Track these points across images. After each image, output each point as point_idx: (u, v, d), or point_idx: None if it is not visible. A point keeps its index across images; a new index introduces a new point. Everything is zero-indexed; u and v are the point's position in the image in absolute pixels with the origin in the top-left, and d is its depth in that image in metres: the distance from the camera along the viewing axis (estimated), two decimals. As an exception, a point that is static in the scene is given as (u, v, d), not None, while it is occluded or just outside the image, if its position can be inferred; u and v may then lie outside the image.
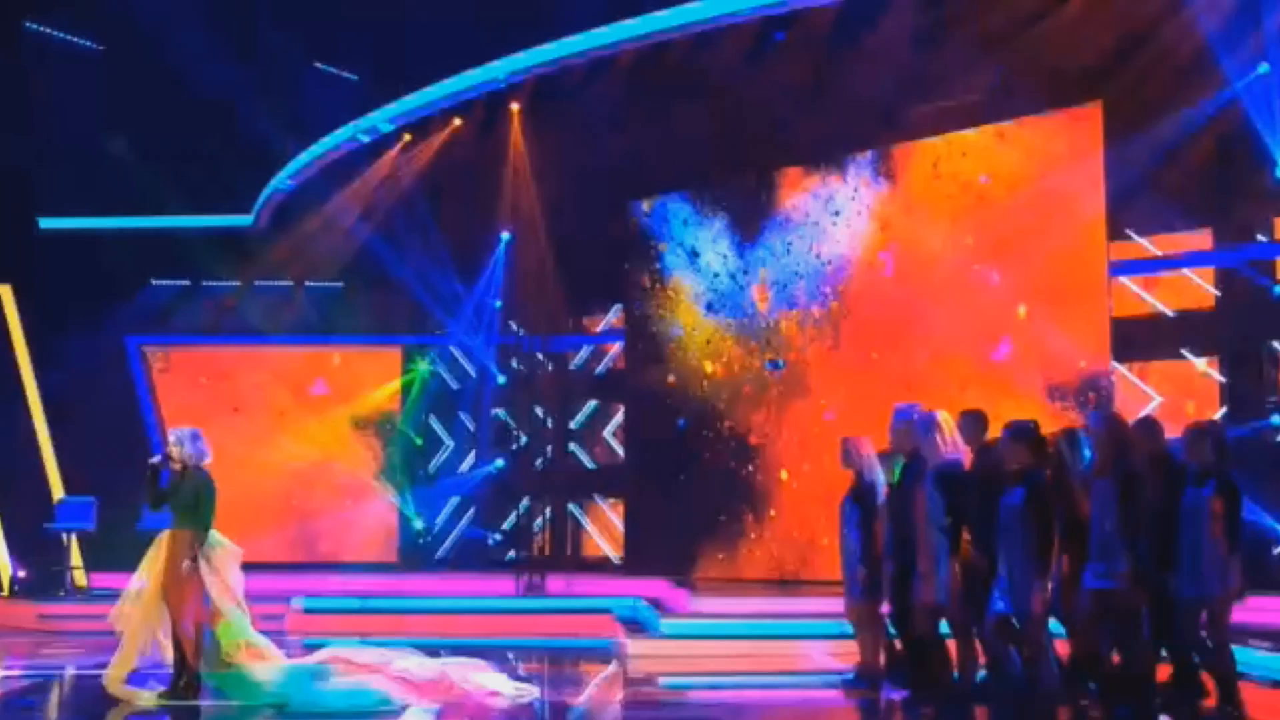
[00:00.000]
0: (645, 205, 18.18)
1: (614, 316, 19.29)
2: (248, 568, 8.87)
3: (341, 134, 17.63)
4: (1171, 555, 7.55)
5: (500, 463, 19.21)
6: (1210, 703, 7.65)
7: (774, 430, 16.45)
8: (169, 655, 8.68)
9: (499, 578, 15.97)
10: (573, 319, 19.77)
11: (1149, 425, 8.11)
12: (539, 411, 18.49)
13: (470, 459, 20.21)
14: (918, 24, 13.86)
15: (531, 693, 8.87)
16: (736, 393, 16.94)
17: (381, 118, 17.31)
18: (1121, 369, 14.10)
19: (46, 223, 19.16)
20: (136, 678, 8.75)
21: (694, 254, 17.54)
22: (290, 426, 19.87)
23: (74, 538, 15.10)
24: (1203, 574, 7.43)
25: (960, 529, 7.69)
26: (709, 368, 17.31)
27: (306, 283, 20.11)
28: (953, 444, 7.75)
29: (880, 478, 8.95)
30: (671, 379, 17.71)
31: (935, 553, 7.85)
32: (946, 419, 7.88)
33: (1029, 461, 7.37)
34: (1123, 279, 14.21)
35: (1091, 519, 7.27)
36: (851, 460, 9.16)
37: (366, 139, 17.73)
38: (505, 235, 18.19)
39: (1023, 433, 7.47)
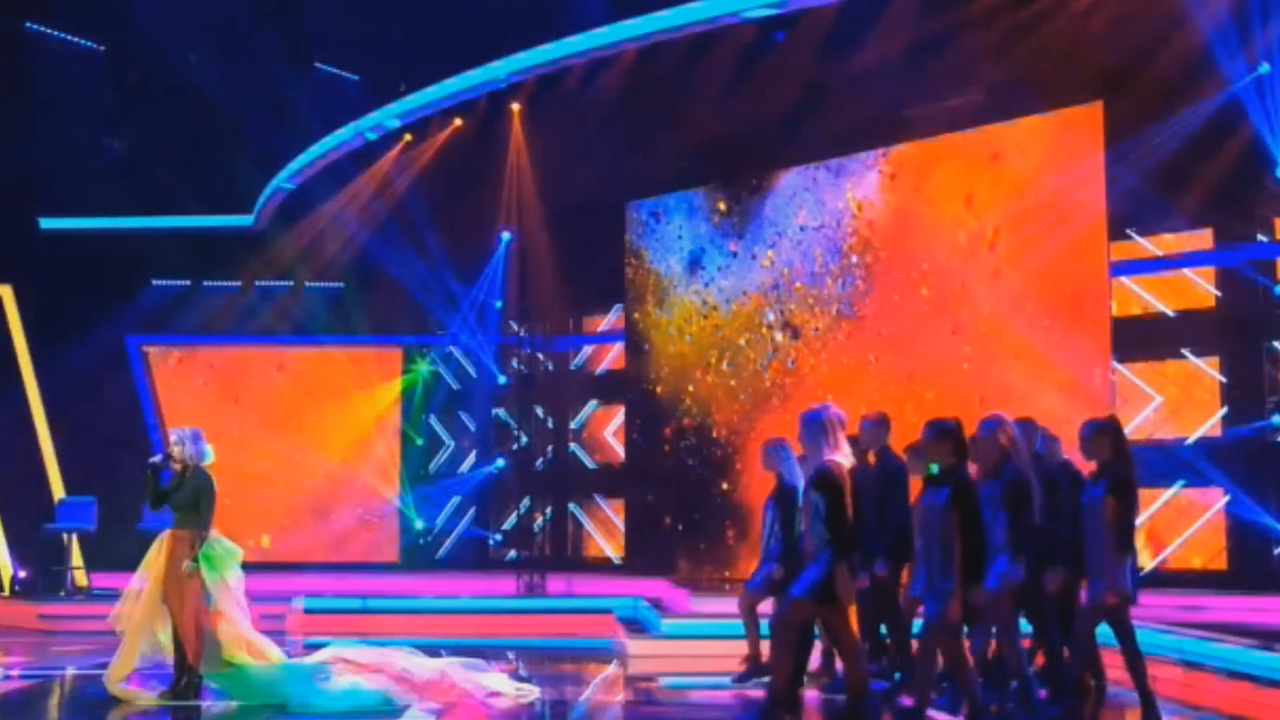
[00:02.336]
0: (645, 205, 18.19)
1: (614, 316, 19.28)
2: (248, 568, 8.89)
3: (341, 134, 17.64)
4: (1056, 555, 7.52)
5: (500, 463, 19.21)
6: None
7: (777, 428, 16.43)
8: (169, 655, 8.69)
9: (499, 578, 15.98)
10: (573, 319, 19.78)
11: (1027, 427, 8.04)
12: (539, 411, 18.50)
13: (470, 459, 20.21)
14: (918, 24, 13.85)
15: (532, 693, 8.88)
16: (738, 392, 16.93)
17: (382, 118, 17.31)
18: (1122, 369, 14.10)
19: (46, 223, 19.16)
20: (136, 678, 8.76)
21: (694, 254, 17.54)
22: (291, 426, 19.86)
23: (74, 538, 15.09)
24: (1095, 576, 7.31)
25: (840, 530, 7.18)
26: (709, 367, 17.30)
27: (306, 283, 20.11)
28: (834, 444, 7.26)
29: (800, 480, 8.94)
30: (670, 378, 17.73)
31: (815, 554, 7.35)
32: (833, 420, 7.36)
33: (952, 461, 7.06)
34: (1123, 279, 14.21)
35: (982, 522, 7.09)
36: (771, 463, 9.17)
37: (367, 139, 17.73)
38: (505, 235, 18.19)
39: (945, 431, 7.12)
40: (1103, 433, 7.47)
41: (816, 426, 7.26)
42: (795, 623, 7.35)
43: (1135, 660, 7.38)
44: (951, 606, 6.86)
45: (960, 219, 14.91)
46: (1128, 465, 7.37)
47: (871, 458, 8.93)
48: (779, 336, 16.54)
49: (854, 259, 15.85)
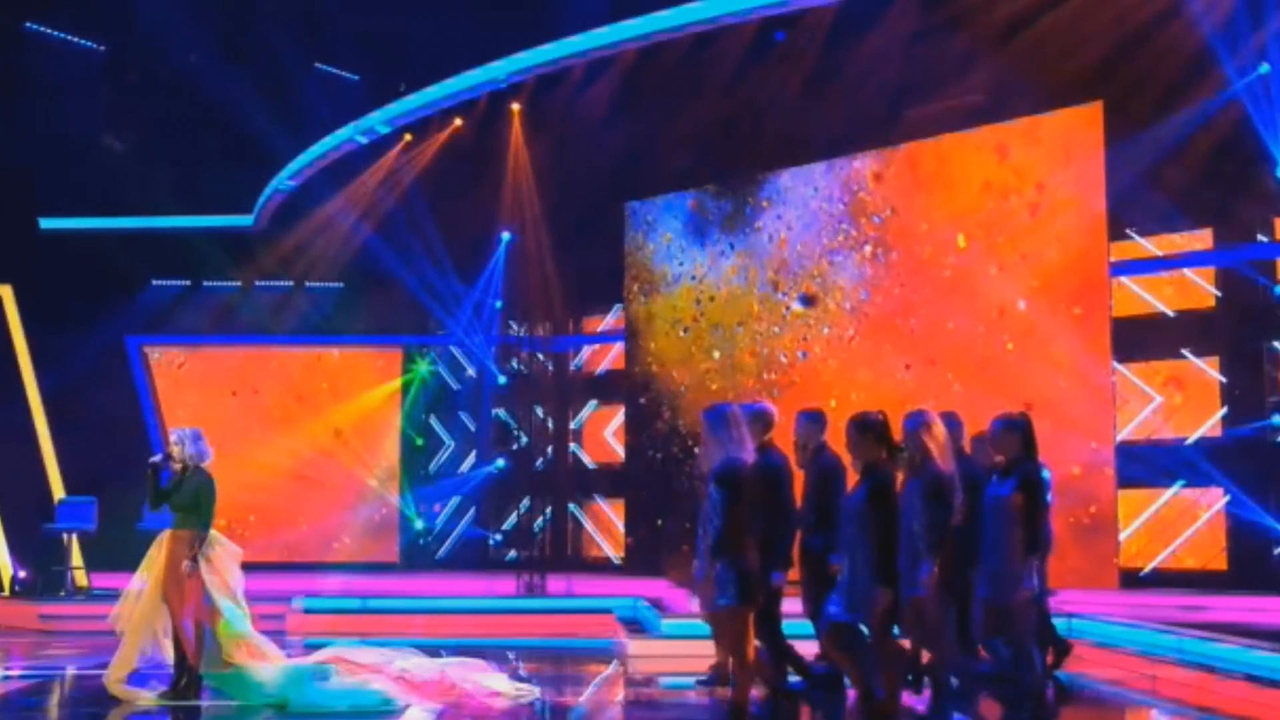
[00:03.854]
0: (645, 205, 18.19)
1: (614, 316, 19.28)
2: (248, 568, 8.88)
3: (341, 134, 17.64)
4: (971, 554, 7.42)
5: (500, 463, 19.21)
6: None
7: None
8: (169, 655, 8.69)
9: (499, 578, 15.98)
10: (573, 319, 19.78)
11: (953, 424, 7.91)
12: (539, 411, 18.49)
13: (470, 459, 20.21)
14: (918, 24, 13.86)
15: (531, 693, 8.88)
16: (736, 392, 16.92)
17: (381, 118, 17.31)
18: (1122, 369, 14.10)
19: (46, 223, 19.16)
20: (136, 678, 8.76)
21: (693, 254, 17.54)
22: (291, 426, 19.86)
23: (74, 538, 15.09)
24: (1000, 573, 7.25)
25: (736, 530, 6.84)
26: (708, 368, 17.30)
27: (306, 283, 20.12)
28: (738, 439, 6.96)
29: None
30: (671, 378, 17.73)
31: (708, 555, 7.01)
32: (736, 415, 7.07)
33: (877, 456, 6.87)
34: (1123, 279, 14.21)
35: (903, 521, 6.93)
36: None
37: (366, 139, 17.73)
38: (505, 235, 18.19)
39: (869, 425, 6.93)
40: (1012, 429, 7.43)
41: (719, 421, 7.01)
42: (741, 632, 6.95)
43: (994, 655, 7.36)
44: (876, 607, 6.69)
45: (960, 219, 14.91)
46: (1036, 464, 7.33)
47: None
48: (782, 337, 16.52)
49: (855, 256, 15.84)
